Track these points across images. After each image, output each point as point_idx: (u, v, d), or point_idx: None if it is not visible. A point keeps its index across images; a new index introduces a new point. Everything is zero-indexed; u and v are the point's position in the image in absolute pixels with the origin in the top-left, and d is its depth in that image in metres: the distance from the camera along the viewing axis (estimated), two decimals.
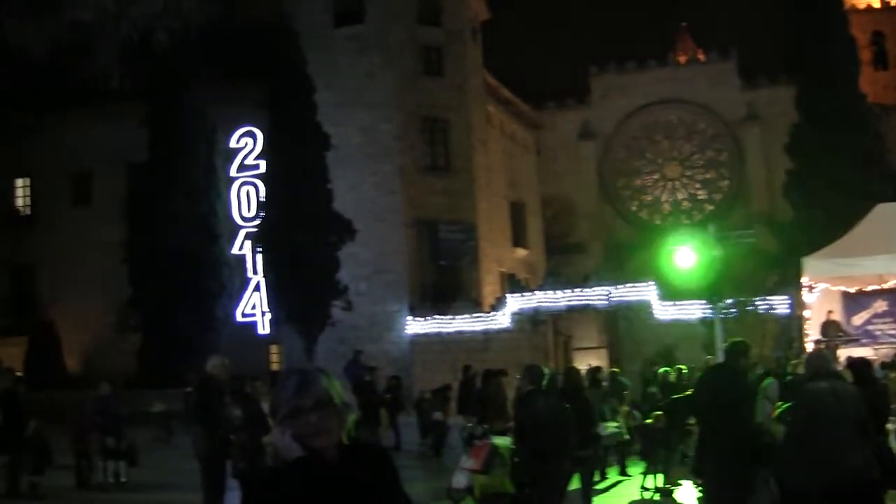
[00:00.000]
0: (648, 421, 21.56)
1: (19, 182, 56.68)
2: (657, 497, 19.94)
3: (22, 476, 21.24)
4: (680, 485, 19.39)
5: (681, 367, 28.41)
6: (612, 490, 21.22)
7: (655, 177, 78.94)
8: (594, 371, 27.48)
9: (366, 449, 4.86)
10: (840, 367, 15.76)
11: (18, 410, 21.84)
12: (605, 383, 25.32)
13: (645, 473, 20.59)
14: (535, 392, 13.89)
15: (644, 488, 20.26)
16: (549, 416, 13.56)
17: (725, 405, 12.56)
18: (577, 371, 18.51)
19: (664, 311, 42.25)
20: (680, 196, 78.55)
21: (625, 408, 23.82)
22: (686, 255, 31.27)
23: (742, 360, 13.16)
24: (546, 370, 14.47)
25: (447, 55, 49.98)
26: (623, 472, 22.79)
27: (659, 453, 20.56)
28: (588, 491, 16.33)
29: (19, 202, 57.03)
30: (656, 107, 78.16)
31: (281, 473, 4.63)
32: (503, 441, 16.72)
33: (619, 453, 23.12)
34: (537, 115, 69.58)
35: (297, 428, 4.59)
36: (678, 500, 19.46)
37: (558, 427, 13.58)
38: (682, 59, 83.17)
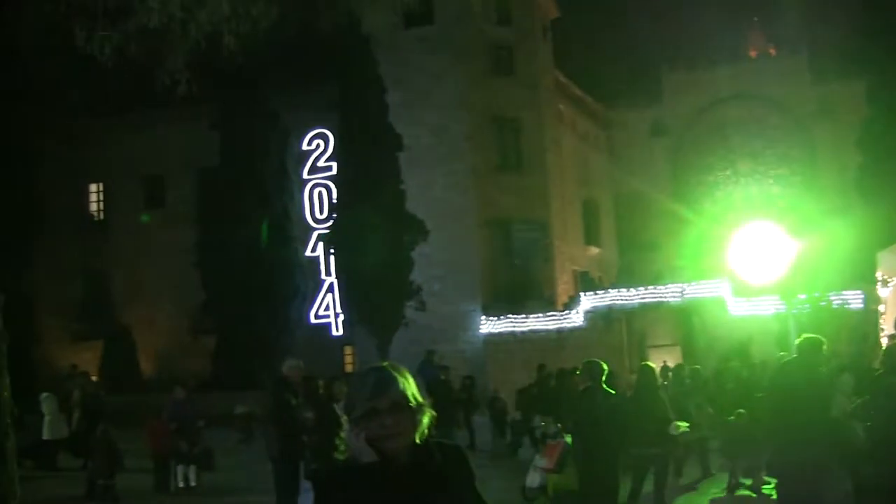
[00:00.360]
0: (731, 419, 21.28)
1: (93, 187, 57.08)
2: (744, 493, 19.75)
3: (97, 479, 21.41)
4: (767, 483, 19.12)
5: (755, 362, 28.17)
6: (697, 488, 21.05)
7: (727, 172, 78.44)
8: (678, 368, 27.29)
9: (442, 448, 4.78)
10: None
11: (97, 414, 22.07)
12: (687, 380, 25.07)
13: (730, 471, 20.39)
14: (593, 389, 13.77)
15: (728, 487, 20.06)
16: (607, 412, 13.45)
17: (799, 401, 12.37)
18: (651, 368, 18.30)
19: (738, 307, 41.86)
20: (752, 191, 77.98)
21: (707, 406, 23.52)
22: (760, 249, 30.98)
23: (815, 355, 12.93)
24: (605, 366, 14.29)
25: (517, 54, 49.81)
26: (706, 471, 22.56)
27: (742, 451, 20.31)
28: (661, 489, 16.12)
29: (93, 207, 57.43)
30: (727, 103, 77.66)
31: (352, 476, 4.65)
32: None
33: (701, 451, 22.87)
34: (609, 113, 69.30)
35: (372, 430, 4.57)
36: (761, 498, 19.22)
37: (614, 424, 13.46)
38: (753, 54, 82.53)
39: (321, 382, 17.46)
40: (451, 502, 4.64)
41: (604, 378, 13.94)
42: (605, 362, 13.87)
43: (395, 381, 4.66)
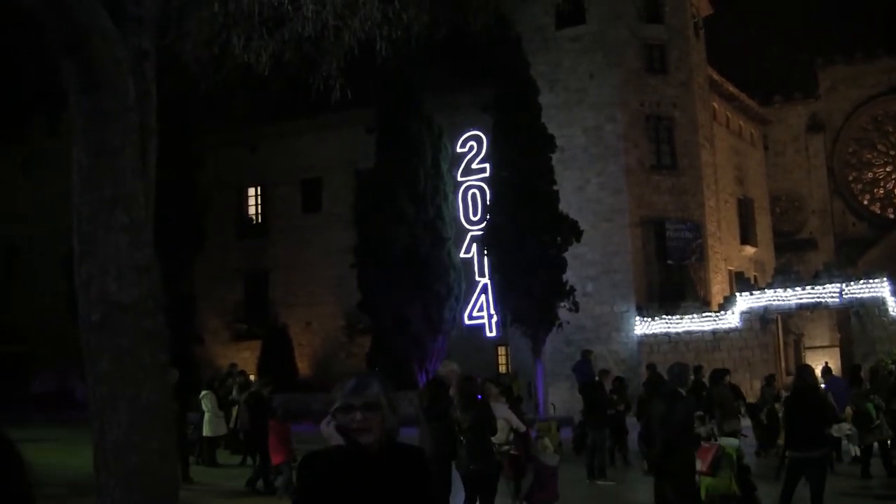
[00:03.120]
0: None
1: (251, 191, 58.12)
2: None
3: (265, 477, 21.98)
4: None
5: None
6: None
7: (888, 169, 77.04)
8: (856, 369, 26.90)
9: (404, 449, 5.42)
10: None
11: (265, 413, 22.53)
12: (866, 384, 24.78)
13: None
14: (674, 393, 13.84)
15: None
16: (679, 415, 13.49)
17: None
18: (810, 368, 18.12)
19: None
20: None
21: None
22: None
23: None
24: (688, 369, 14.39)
25: (670, 52, 49.53)
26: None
27: None
28: (819, 493, 15.93)
29: (251, 210, 58.47)
30: (886, 97, 76.29)
31: (320, 457, 5.21)
32: (730, 442, 16.54)
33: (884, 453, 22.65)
34: (764, 110, 68.45)
35: (343, 421, 5.13)
36: None
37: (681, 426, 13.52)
38: None
39: (479, 382, 17.63)
40: (400, 498, 5.21)
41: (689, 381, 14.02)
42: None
43: (371, 385, 5.29)
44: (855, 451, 24.29)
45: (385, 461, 5.16)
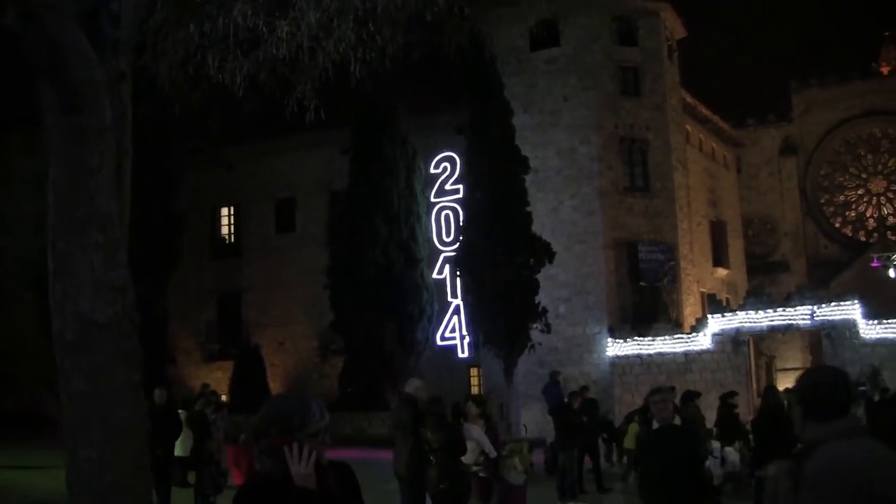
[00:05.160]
0: None
1: (225, 211, 58.08)
2: None
3: (203, 495, 21.96)
4: None
5: (886, 388, 27.88)
6: None
7: (860, 192, 77.49)
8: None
9: (335, 466, 5.31)
10: None
11: (207, 433, 22.56)
12: None
13: None
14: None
15: None
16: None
17: None
18: (775, 389, 18.33)
19: (870, 331, 41.32)
20: (885, 211, 76.93)
21: None
22: None
23: None
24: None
25: (644, 75, 49.78)
26: None
27: None
28: None
29: (224, 230, 58.43)
30: (859, 120, 76.76)
31: (264, 490, 5.09)
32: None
33: None
34: (737, 133, 68.76)
35: (312, 447, 5.07)
36: None
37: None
38: (886, 69, 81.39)
39: (447, 402, 17.68)
40: None
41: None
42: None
43: (321, 412, 5.24)
44: None
45: (324, 483, 5.11)
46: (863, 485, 4.72)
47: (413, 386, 16.87)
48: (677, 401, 27.96)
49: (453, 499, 15.45)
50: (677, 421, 11.52)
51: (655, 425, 11.55)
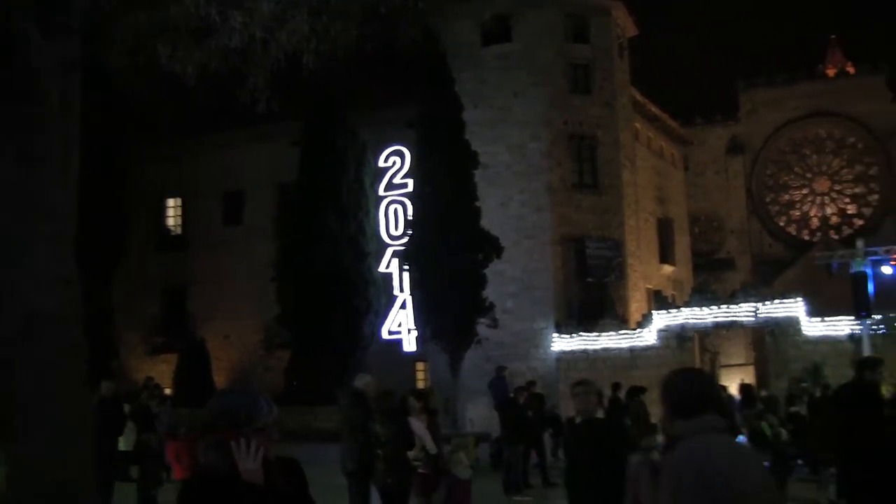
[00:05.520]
0: None
1: (171, 202, 57.68)
2: None
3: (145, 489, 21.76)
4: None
5: (828, 384, 28.08)
6: None
7: (804, 192, 78.18)
8: (747, 388, 27.36)
9: (281, 461, 5.25)
10: None
11: (150, 427, 22.39)
12: (759, 405, 25.04)
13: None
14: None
15: None
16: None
17: (858, 423, 12.43)
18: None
19: (812, 328, 41.59)
20: (829, 211, 77.60)
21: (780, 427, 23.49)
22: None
23: (869, 374, 12.96)
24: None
25: (595, 72, 49.85)
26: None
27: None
28: None
29: (171, 222, 58.04)
30: (805, 121, 77.47)
31: (213, 486, 5.01)
32: (645, 458, 16.63)
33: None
34: (685, 131, 69.11)
35: (260, 442, 5.01)
36: None
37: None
38: (832, 72, 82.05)
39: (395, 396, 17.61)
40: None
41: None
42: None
43: (268, 406, 5.18)
44: None
45: (271, 479, 5.04)
46: (713, 475, 5.08)
47: (363, 381, 16.79)
48: (623, 396, 28.20)
49: (400, 492, 15.41)
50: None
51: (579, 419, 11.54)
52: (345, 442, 16.45)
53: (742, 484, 5.15)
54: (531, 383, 30.95)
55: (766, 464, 22.21)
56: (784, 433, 22.80)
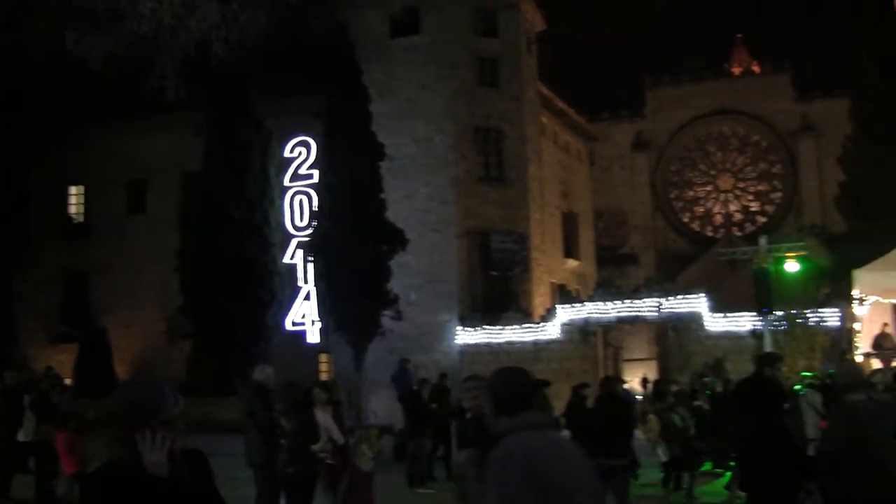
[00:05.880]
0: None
1: (73, 190, 56.97)
2: None
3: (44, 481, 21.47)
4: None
5: (729, 379, 28.39)
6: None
7: (708, 188, 79.16)
8: (658, 383, 27.65)
9: (186, 453, 5.21)
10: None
11: (50, 418, 22.08)
12: (670, 398, 25.29)
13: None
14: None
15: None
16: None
17: (759, 416, 12.60)
18: (613, 379, 18.71)
19: (715, 323, 42.03)
20: (732, 208, 78.55)
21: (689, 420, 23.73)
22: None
23: (768, 370, 13.13)
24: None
25: (502, 66, 49.94)
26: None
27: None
28: (624, 499, 16.28)
29: (73, 210, 57.35)
30: (710, 118, 78.43)
31: (121, 480, 4.92)
32: (471, 454, 16.75)
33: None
34: (591, 127, 69.42)
35: (169, 434, 4.97)
36: None
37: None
38: (737, 70, 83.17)
39: (300, 388, 17.55)
40: (194, 498, 5.04)
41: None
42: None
43: (174, 397, 5.14)
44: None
45: (178, 471, 5.00)
46: (537, 470, 5.23)
47: (264, 373, 16.72)
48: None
49: (302, 483, 15.38)
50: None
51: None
52: (248, 434, 16.39)
53: (564, 479, 5.32)
54: (443, 376, 30.96)
55: (679, 455, 22.61)
56: (693, 427, 23.09)
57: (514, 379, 5.98)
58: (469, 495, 5.60)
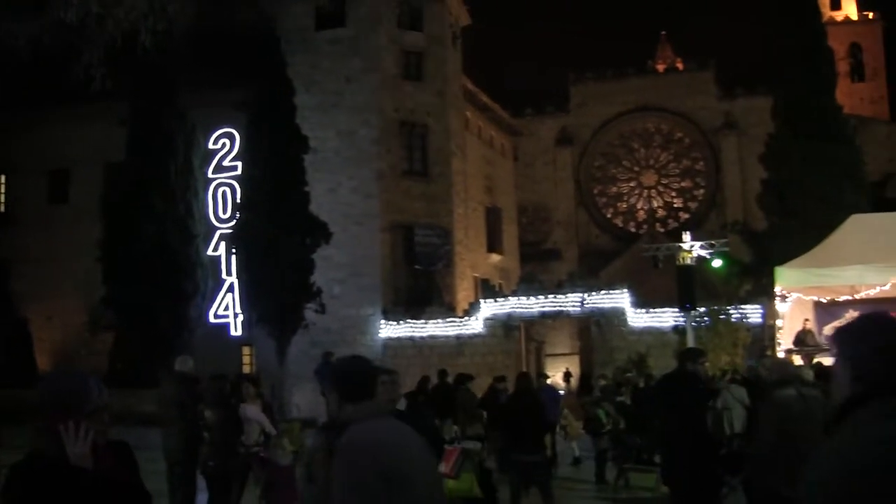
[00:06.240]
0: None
1: None
2: None
3: None
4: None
5: (651, 374, 28.70)
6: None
7: (632, 184, 79.62)
8: (585, 377, 27.98)
9: (112, 445, 5.23)
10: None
11: None
12: (597, 392, 25.57)
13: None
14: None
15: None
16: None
17: (680, 411, 12.75)
18: (529, 375, 18.95)
19: (637, 319, 42.36)
20: (655, 204, 79.08)
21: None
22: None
23: (690, 365, 13.27)
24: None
25: (427, 60, 50.02)
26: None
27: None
28: (549, 491, 16.37)
29: None
30: (634, 115, 78.84)
31: (36, 470, 4.92)
32: (474, 446, 16.87)
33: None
34: (516, 122, 69.68)
35: (94, 426, 4.94)
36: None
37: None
38: (661, 67, 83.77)
39: (227, 381, 17.53)
40: (119, 490, 4.98)
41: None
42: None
43: (98, 388, 5.12)
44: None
45: (101, 464, 4.97)
46: (380, 457, 5.51)
47: (187, 365, 16.72)
48: (451, 381, 28.44)
49: (223, 476, 15.39)
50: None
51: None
52: (168, 427, 16.34)
53: (407, 465, 5.61)
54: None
55: (608, 447, 22.87)
56: (622, 420, 23.32)
57: (356, 368, 6.14)
58: (317, 479, 5.77)
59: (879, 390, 3.67)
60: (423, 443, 5.95)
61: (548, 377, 29.06)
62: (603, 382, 26.98)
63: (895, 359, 3.71)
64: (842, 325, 4.00)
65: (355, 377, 6.01)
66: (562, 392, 39.92)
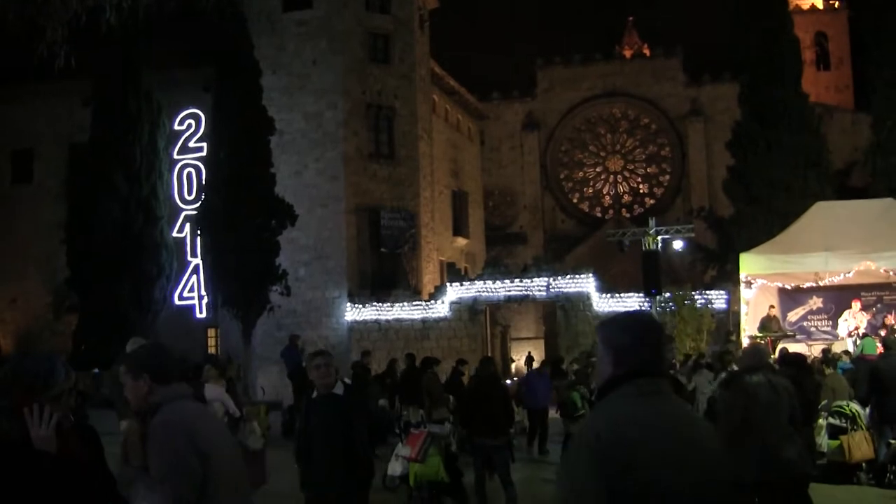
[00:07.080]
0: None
1: None
2: None
3: None
4: None
5: None
6: None
7: (598, 170, 79.72)
8: (559, 361, 27.93)
9: (80, 429, 5.33)
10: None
11: None
12: (571, 377, 25.58)
13: None
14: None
15: None
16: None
17: None
18: (491, 360, 18.88)
19: (603, 303, 42.45)
20: (621, 189, 79.23)
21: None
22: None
23: None
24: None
25: (394, 43, 49.89)
26: None
27: None
28: (507, 475, 16.30)
29: None
30: (601, 100, 78.94)
31: (3, 454, 4.88)
32: (441, 430, 16.84)
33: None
34: (482, 106, 69.62)
35: (58, 409, 4.99)
36: None
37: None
38: (628, 53, 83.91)
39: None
40: (81, 473, 5.04)
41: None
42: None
43: (66, 371, 5.19)
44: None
45: (67, 448, 4.97)
46: (193, 434, 5.73)
47: (138, 345, 16.51)
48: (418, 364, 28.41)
49: None
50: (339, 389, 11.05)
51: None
52: (122, 409, 16.14)
53: (213, 443, 5.81)
54: (366, 353, 31.12)
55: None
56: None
57: (165, 353, 6.25)
58: (131, 458, 5.84)
59: (633, 374, 4.54)
60: (222, 423, 6.22)
61: (513, 360, 29.11)
62: (576, 367, 27.01)
63: (648, 349, 4.61)
64: (607, 318, 4.90)
65: (165, 360, 6.10)
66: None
